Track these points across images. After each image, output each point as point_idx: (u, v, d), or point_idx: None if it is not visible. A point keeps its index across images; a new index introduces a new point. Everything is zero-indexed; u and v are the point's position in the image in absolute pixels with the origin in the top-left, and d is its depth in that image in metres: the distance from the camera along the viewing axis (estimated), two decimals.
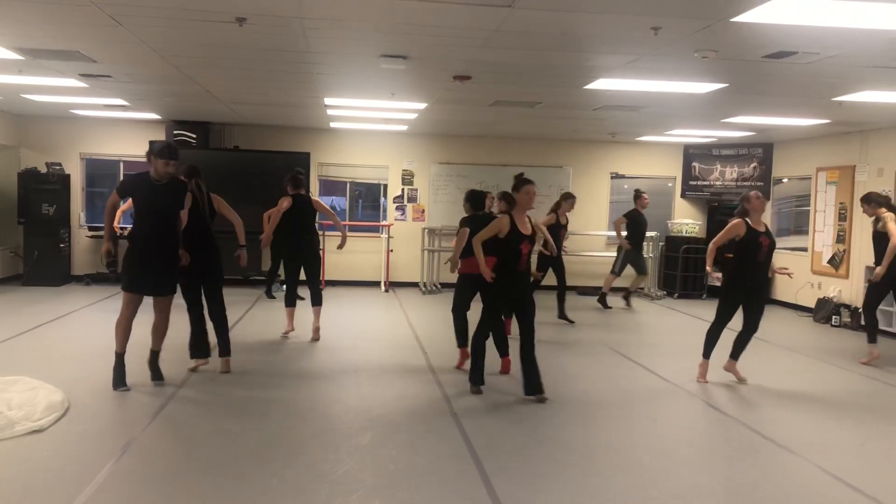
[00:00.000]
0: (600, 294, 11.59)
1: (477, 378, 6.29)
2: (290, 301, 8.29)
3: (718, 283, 8.21)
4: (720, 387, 6.77)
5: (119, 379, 5.94)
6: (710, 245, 6.85)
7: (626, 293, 11.74)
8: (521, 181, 6.16)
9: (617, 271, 11.43)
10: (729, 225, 6.70)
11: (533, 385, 6.06)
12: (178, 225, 6.03)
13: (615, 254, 11.53)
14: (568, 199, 9.98)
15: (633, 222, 11.19)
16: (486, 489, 4.21)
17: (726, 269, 6.73)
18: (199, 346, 6.64)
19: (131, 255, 5.88)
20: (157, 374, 6.17)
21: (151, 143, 5.87)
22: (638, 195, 11.27)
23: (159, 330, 6.14)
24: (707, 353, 6.89)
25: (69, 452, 4.57)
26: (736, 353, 6.89)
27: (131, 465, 4.41)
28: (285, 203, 7.87)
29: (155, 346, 6.19)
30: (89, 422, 5.16)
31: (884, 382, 7.25)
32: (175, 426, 5.18)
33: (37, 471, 4.26)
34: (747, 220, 6.61)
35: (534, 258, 7.06)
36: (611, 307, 11.42)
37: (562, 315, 9.99)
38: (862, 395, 6.75)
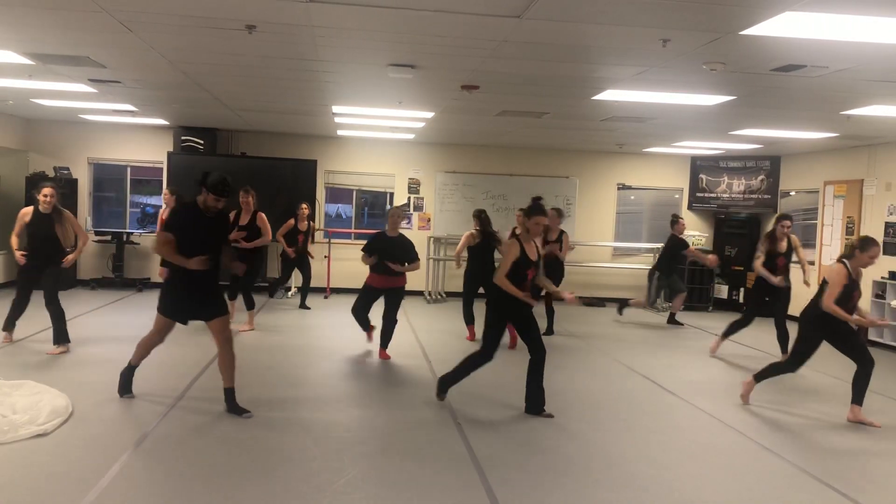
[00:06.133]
0: (622, 305, 11.46)
1: (445, 387, 6.23)
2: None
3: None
4: (723, 400, 6.74)
5: (126, 386, 5.92)
6: (832, 306, 6.12)
7: (671, 316, 11.54)
8: (534, 210, 5.96)
9: (652, 301, 11.25)
10: (835, 273, 6.14)
11: (536, 405, 6.03)
12: (220, 254, 5.75)
13: (649, 278, 11.22)
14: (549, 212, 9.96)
15: (673, 248, 10.80)
16: (490, 500, 4.19)
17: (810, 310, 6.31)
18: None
19: (173, 285, 5.65)
20: (240, 409, 5.65)
21: (205, 174, 5.63)
22: (675, 220, 10.85)
23: (226, 361, 5.68)
24: (760, 378, 6.60)
25: (72, 457, 4.57)
26: (858, 397, 6.33)
27: (134, 471, 4.40)
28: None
29: (227, 384, 5.70)
30: (93, 427, 5.16)
31: (887, 397, 7.21)
32: (179, 433, 5.17)
33: (40, 475, 4.26)
34: (847, 264, 6.14)
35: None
36: (683, 324, 11.32)
37: (549, 328, 9.85)
38: (868, 410, 6.70)
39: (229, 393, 5.69)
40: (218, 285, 5.82)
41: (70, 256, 7.80)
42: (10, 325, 7.76)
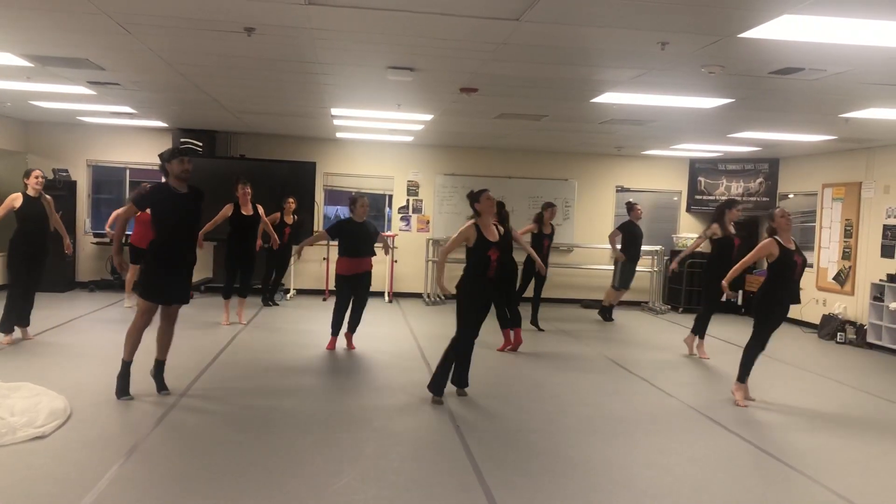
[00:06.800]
0: (601, 307, 11.72)
1: (438, 389, 6.29)
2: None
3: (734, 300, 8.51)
4: (724, 403, 6.74)
5: (123, 388, 5.92)
6: (738, 266, 6.77)
7: (602, 308, 11.78)
8: (477, 192, 6.31)
9: (617, 285, 11.47)
10: (759, 245, 6.59)
11: (460, 378, 6.36)
12: (197, 233, 6.10)
13: (612, 267, 11.58)
14: (549, 207, 10.05)
15: (630, 234, 11.21)
16: (488, 502, 4.19)
17: (762, 289, 6.64)
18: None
19: (153, 266, 5.85)
20: (162, 385, 6.12)
21: (161, 154, 5.93)
22: (631, 207, 11.34)
23: (166, 338, 6.12)
24: (743, 377, 6.70)
25: (71, 459, 4.56)
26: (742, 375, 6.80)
27: (133, 473, 4.40)
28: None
29: (161, 356, 6.14)
30: (91, 429, 5.15)
31: (888, 400, 7.21)
32: (177, 435, 5.17)
33: (38, 478, 4.25)
34: (777, 238, 6.49)
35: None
36: (613, 320, 11.46)
37: (534, 322, 10.21)
38: (866, 412, 6.71)
39: (161, 365, 6.12)
40: (192, 271, 6.08)
41: (68, 241, 8.22)
42: (21, 323, 7.85)
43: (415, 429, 5.57)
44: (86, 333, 8.64)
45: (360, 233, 8.01)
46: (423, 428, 5.60)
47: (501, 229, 6.41)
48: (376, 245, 8.38)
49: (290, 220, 11.40)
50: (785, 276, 6.50)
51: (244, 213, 9.46)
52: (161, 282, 5.83)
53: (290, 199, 11.44)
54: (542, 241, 9.93)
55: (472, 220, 6.22)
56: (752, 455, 5.33)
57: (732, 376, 6.99)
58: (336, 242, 8.19)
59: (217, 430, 5.29)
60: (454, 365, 6.35)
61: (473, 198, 6.29)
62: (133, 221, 10.32)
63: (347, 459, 4.78)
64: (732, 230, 8.70)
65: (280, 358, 7.80)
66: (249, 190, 9.49)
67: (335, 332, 8.26)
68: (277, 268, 11.56)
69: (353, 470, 4.59)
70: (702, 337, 8.89)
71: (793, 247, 6.53)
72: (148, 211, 6.01)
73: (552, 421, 5.91)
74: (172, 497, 4.08)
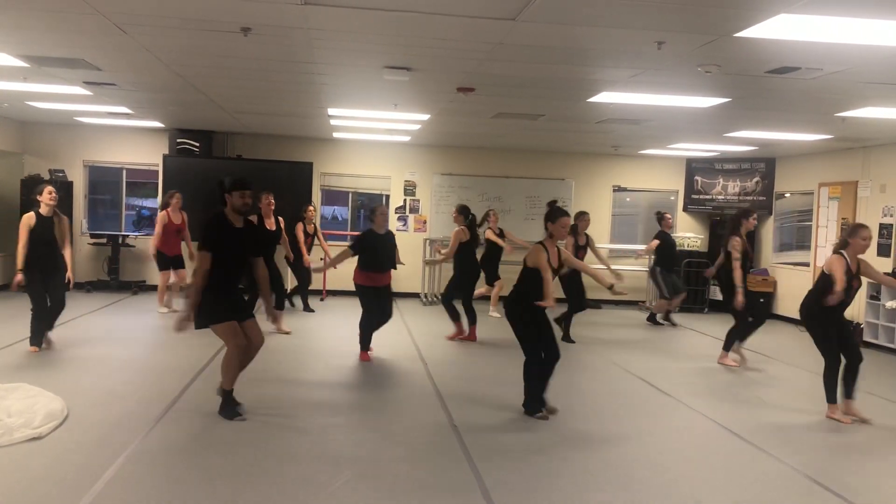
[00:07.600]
0: (665, 316, 11.59)
1: (534, 406, 5.99)
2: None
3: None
4: (720, 402, 6.75)
5: (231, 412, 5.56)
6: (838, 287, 5.99)
7: (667, 313, 11.64)
8: (557, 211, 5.90)
9: (668, 294, 11.11)
10: (833, 266, 6.05)
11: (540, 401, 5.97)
12: (246, 263, 5.71)
13: (652, 278, 11.35)
14: (582, 217, 9.61)
15: (665, 243, 10.91)
16: (486, 502, 4.19)
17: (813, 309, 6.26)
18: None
19: (208, 296, 5.39)
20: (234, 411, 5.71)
21: (221, 182, 5.52)
22: (661, 217, 11.01)
23: (246, 359, 5.71)
24: (832, 398, 6.28)
25: (68, 461, 4.55)
26: (849, 391, 6.31)
27: (130, 475, 4.39)
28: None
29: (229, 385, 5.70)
30: (88, 430, 5.14)
31: (885, 399, 7.22)
32: (174, 436, 5.16)
33: (35, 479, 4.24)
34: (846, 255, 6.12)
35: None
36: (677, 324, 11.48)
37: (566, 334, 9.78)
38: (863, 412, 6.71)
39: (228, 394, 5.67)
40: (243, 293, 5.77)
41: (72, 275, 7.73)
42: (39, 339, 7.54)
43: (412, 429, 5.57)
44: (83, 334, 8.62)
45: (381, 245, 7.66)
46: (420, 428, 5.60)
47: (561, 249, 6.05)
48: None
49: (311, 229, 11.02)
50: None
51: (267, 226, 9.06)
52: (221, 306, 5.49)
53: (311, 207, 11.07)
54: (577, 253, 9.42)
55: (539, 242, 5.90)
56: (750, 454, 5.34)
57: (730, 376, 7.00)
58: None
59: (213, 432, 5.28)
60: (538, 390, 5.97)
61: (549, 217, 5.88)
62: (157, 227, 10.29)
63: (345, 460, 4.77)
64: (747, 243, 8.40)
65: (277, 359, 7.78)
66: (273, 200, 9.11)
67: (364, 347, 7.88)
68: (300, 278, 11.20)
69: (350, 470, 4.59)
70: (726, 349, 8.44)
71: (855, 268, 6.14)
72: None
73: (550, 421, 5.91)
74: (170, 498, 4.07)
